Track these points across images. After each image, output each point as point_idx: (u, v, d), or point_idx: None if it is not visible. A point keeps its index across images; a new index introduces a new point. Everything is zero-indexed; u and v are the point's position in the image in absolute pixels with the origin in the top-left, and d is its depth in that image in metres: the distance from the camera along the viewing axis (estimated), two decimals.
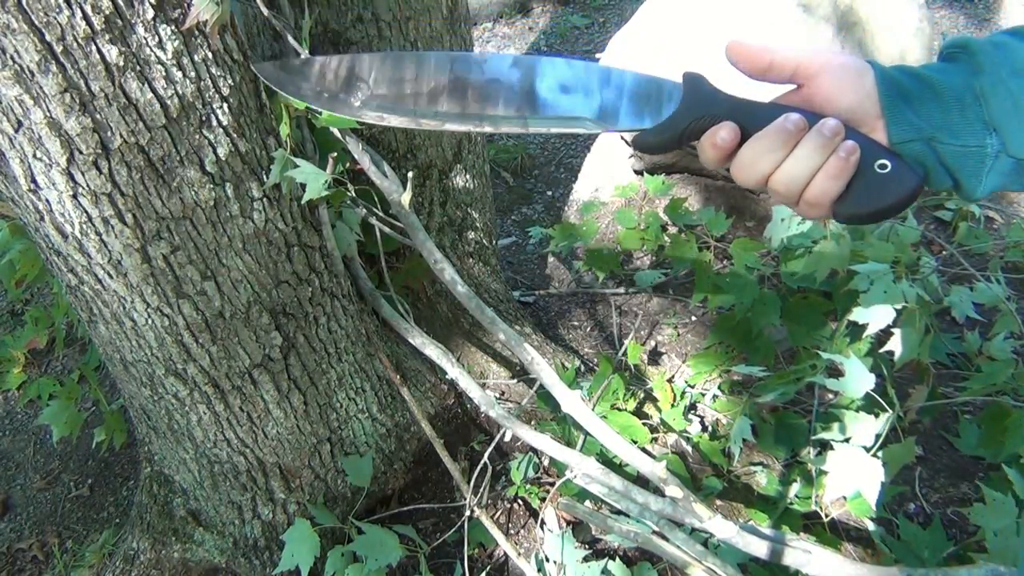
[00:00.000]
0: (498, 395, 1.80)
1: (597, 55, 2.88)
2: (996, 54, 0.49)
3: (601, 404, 1.68)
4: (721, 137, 0.51)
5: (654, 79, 0.55)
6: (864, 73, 0.51)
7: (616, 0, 4.39)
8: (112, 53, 0.85)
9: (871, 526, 1.47)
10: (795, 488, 1.52)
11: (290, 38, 1.18)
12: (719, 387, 1.82)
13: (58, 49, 0.82)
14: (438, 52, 0.55)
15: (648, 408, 1.77)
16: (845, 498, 1.38)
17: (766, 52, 0.52)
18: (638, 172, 2.61)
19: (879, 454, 1.28)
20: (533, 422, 1.73)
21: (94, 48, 0.84)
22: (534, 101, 0.54)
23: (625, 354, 1.83)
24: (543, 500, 1.58)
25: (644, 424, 1.66)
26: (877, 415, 1.32)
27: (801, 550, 1.18)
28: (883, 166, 0.50)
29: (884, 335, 1.46)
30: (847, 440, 1.34)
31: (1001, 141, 0.48)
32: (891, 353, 1.44)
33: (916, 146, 0.50)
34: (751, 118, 0.52)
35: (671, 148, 0.54)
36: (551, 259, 2.49)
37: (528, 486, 1.61)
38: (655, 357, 2.02)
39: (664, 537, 1.27)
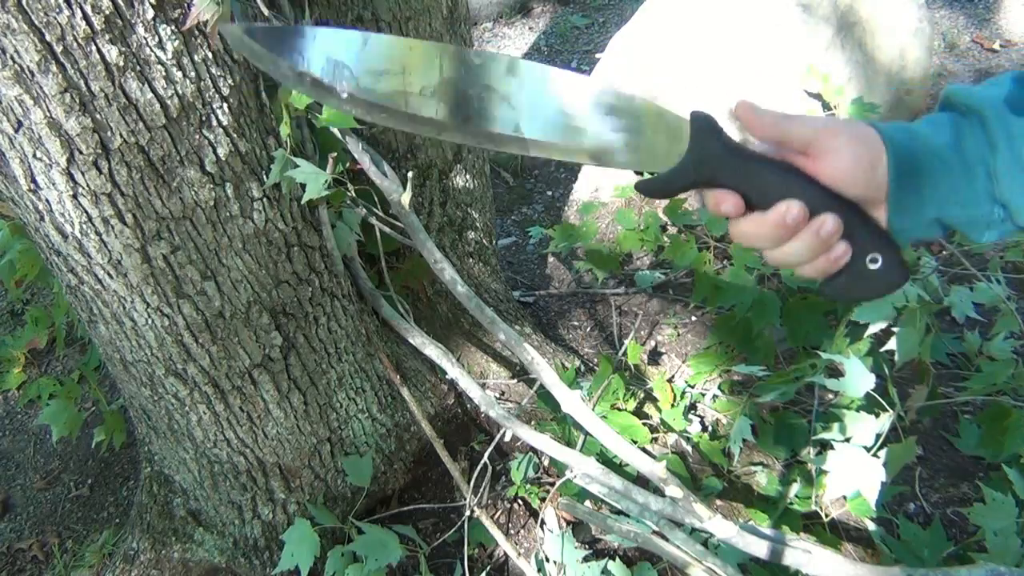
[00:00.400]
0: (498, 395, 1.80)
1: (597, 55, 2.88)
2: (1011, 125, 0.48)
3: (601, 404, 1.68)
4: (724, 208, 0.51)
5: (662, 114, 0.52)
6: (877, 163, 0.50)
7: (616, 0, 4.39)
8: (112, 53, 0.85)
9: (871, 526, 1.47)
10: (795, 488, 1.52)
11: None
12: (719, 387, 1.82)
13: (58, 49, 0.82)
14: (428, 44, 0.50)
15: (648, 408, 1.77)
16: (845, 498, 1.38)
17: (779, 124, 0.51)
18: (638, 172, 2.61)
19: (879, 454, 1.28)
20: (533, 422, 1.73)
21: (94, 48, 0.84)
22: (534, 123, 0.50)
23: (625, 354, 1.83)
24: (543, 500, 1.58)
25: (644, 424, 1.66)
26: (877, 415, 1.32)
27: (801, 550, 1.17)
28: (874, 260, 0.50)
29: (884, 335, 1.46)
30: (847, 440, 1.34)
31: (1008, 212, 0.49)
32: (891, 353, 1.44)
33: (917, 230, 0.51)
34: (756, 189, 0.51)
35: (671, 196, 0.54)
36: (551, 259, 2.49)
37: (528, 486, 1.61)
38: (655, 357, 2.02)
39: (664, 537, 1.27)
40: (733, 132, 0.53)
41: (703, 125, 0.51)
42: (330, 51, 0.48)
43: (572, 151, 0.51)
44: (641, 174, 2.57)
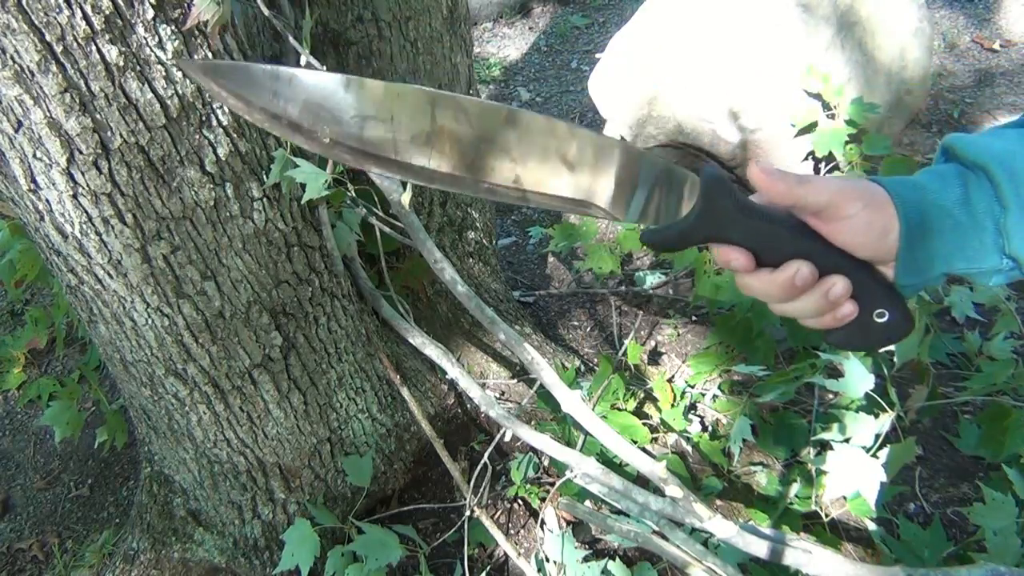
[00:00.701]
0: (498, 395, 1.80)
1: (597, 55, 2.88)
2: (1020, 183, 0.48)
3: (601, 404, 1.68)
4: (733, 265, 0.51)
5: (671, 169, 0.51)
6: (890, 230, 0.50)
7: (616, 0, 4.39)
8: (112, 53, 0.85)
9: (871, 526, 1.47)
10: (795, 488, 1.52)
11: (290, 38, 1.18)
12: (719, 387, 1.82)
13: (58, 49, 0.82)
14: (418, 89, 0.47)
15: (648, 408, 1.77)
16: (845, 498, 1.38)
17: (793, 190, 0.50)
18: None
19: (879, 454, 1.28)
20: (533, 422, 1.73)
21: (94, 48, 0.84)
22: (535, 176, 0.48)
23: (625, 354, 1.83)
24: (543, 500, 1.58)
25: (644, 424, 1.66)
26: (877, 415, 1.32)
27: (801, 550, 1.17)
28: (881, 315, 0.51)
29: None
30: (847, 440, 1.34)
31: (1017, 264, 0.49)
32: (891, 353, 1.44)
33: (924, 284, 0.52)
34: (766, 247, 0.51)
35: (678, 250, 0.53)
36: (551, 259, 2.49)
37: (528, 486, 1.61)
38: (655, 357, 2.02)
39: (664, 537, 1.27)
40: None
41: (713, 182, 0.50)
42: (309, 94, 0.45)
43: (576, 205, 0.50)
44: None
